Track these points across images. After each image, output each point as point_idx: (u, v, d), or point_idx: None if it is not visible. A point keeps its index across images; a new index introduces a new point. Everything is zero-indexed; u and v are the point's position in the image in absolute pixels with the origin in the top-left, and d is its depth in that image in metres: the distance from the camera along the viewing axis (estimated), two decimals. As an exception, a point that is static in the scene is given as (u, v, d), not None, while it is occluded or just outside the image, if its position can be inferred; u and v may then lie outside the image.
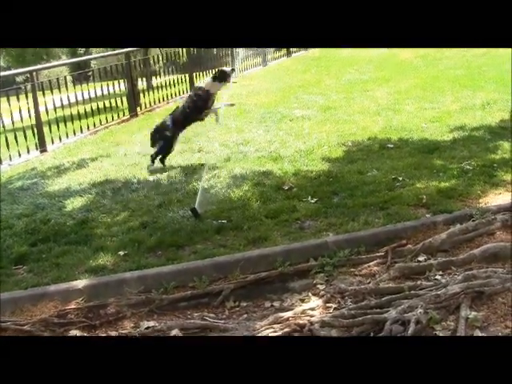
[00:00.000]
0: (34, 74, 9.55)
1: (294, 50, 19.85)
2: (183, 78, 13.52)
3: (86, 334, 3.77)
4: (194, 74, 13.77)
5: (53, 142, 9.43)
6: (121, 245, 4.98)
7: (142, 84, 14.03)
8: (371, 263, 4.32)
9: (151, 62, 13.75)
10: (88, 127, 10.32)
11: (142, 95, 12.73)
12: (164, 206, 5.78)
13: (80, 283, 4.28)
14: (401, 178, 5.94)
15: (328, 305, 3.84)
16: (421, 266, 4.15)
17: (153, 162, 7.26)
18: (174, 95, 12.88)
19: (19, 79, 20.07)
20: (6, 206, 6.24)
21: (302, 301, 3.99)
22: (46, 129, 9.34)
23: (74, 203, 6.16)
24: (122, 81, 11.90)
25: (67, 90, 9.99)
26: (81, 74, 14.21)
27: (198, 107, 7.29)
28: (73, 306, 4.04)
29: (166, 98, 12.58)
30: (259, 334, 3.53)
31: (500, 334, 3.26)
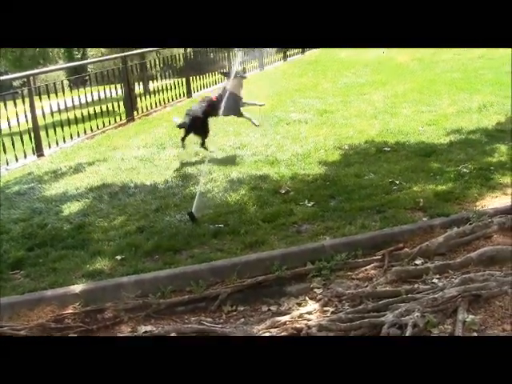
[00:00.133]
0: (31, 78, 9.53)
1: (291, 53, 19.86)
2: (180, 82, 13.52)
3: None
4: (191, 78, 13.75)
5: (50, 147, 9.42)
6: (118, 249, 4.97)
7: (138, 88, 14.03)
8: (368, 267, 4.32)
9: (148, 66, 13.76)
10: (85, 131, 10.32)
11: (138, 99, 12.73)
12: (161, 211, 5.78)
13: (77, 288, 4.27)
14: (398, 182, 5.95)
15: (325, 309, 3.84)
16: (418, 270, 4.16)
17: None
18: (171, 99, 12.87)
19: (16, 83, 20.12)
20: (2, 211, 6.23)
21: (299, 305, 3.98)
22: (42, 133, 9.32)
23: (70, 208, 6.15)
24: (118, 85, 11.90)
25: (64, 94, 10.01)
26: (78, 78, 14.19)
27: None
28: (70, 311, 4.03)
29: (163, 103, 12.57)
30: (256, 338, 3.53)
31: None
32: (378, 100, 10.69)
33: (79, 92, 10.72)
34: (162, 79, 13.54)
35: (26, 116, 9.08)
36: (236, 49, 15.55)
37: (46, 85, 10.03)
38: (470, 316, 3.43)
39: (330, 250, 4.49)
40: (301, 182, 6.26)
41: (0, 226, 5.78)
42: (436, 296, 3.62)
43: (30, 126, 9.14)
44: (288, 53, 19.61)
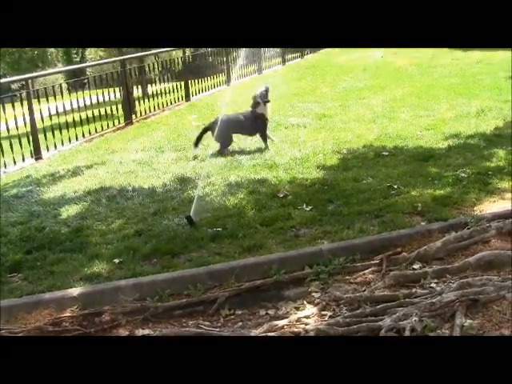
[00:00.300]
0: (30, 81, 9.55)
1: (289, 57, 19.86)
2: (178, 85, 13.53)
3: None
4: (190, 81, 13.75)
5: (48, 150, 9.41)
6: (116, 252, 4.96)
7: (137, 92, 14.03)
8: (366, 271, 4.32)
9: (147, 69, 13.76)
10: (83, 135, 10.31)
11: (137, 103, 12.73)
12: (159, 214, 5.77)
13: (75, 291, 4.27)
14: (396, 186, 5.95)
15: (323, 313, 3.84)
16: (416, 274, 4.16)
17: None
18: (169, 103, 12.87)
19: (14, 86, 20.10)
20: (1, 214, 6.22)
21: (297, 309, 3.98)
22: (41, 136, 9.32)
23: (68, 211, 6.14)
24: (117, 88, 11.89)
25: (62, 97, 9.99)
26: (76, 81, 14.23)
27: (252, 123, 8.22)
28: (68, 314, 4.02)
29: (161, 106, 12.57)
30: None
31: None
32: (376, 104, 10.70)
33: (78, 95, 10.72)
34: (160, 83, 13.54)
35: (24, 119, 9.07)
36: (235, 53, 15.60)
37: (45, 88, 10.05)
38: (468, 321, 3.43)
39: (328, 254, 4.49)
40: (299, 186, 6.27)
41: (-2, 228, 5.77)
42: (434, 300, 3.62)
43: (29, 128, 9.13)
44: (287, 57, 19.62)
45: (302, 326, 3.64)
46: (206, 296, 4.16)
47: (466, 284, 3.79)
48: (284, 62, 19.41)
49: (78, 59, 32.51)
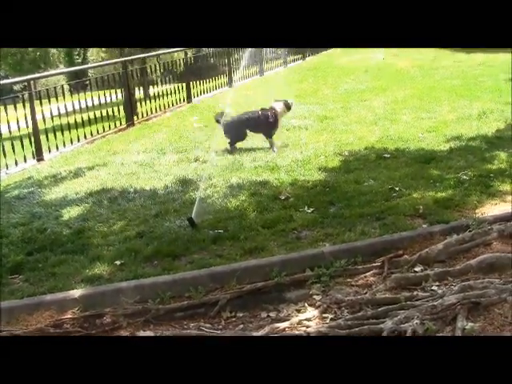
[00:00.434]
0: (32, 82, 9.55)
1: (291, 59, 19.86)
2: (180, 87, 13.52)
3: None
4: (191, 83, 13.75)
5: (50, 151, 9.41)
6: (117, 254, 4.97)
7: (139, 93, 14.03)
8: (368, 273, 4.32)
9: (148, 71, 13.76)
10: (85, 136, 10.31)
11: (139, 104, 12.72)
12: (161, 216, 5.77)
13: (76, 293, 4.27)
14: (397, 188, 5.95)
15: (324, 315, 3.84)
16: (417, 277, 4.16)
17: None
18: (171, 104, 12.87)
19: (16, 88, 20.15)
20: (2, 215, 6.22)
21: (299, 311, 3.98)
22: (43, 137, 9.31)
23: (70, 212, 6.14)
24: (119, 90, 11.90)
25: (64, 98, 10.02)
26: (78, 82, 14.23)
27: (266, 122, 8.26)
28: (69, 316, 4.03)
29: (163, 108, 12.57)
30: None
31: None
32: (378, 106, 10.71)
33: (79, 96, 10.72)
34: (162, 84, 13.52)
35: (26, 120, 9.06)
36: (236, 55, 15.60)
37: (47, 89, 10.03)
38: (470, 323, 3.43)
39: (330, 256, 4.49)
40: (301, 188, 6.26)
41: (-1, 230, 5.78)
42: (435, 303, 3.62)
43: (30, 130, 9.13)
44: (288, 59, 19.62)
45: (304, 328, 3.64)
46: (207, 298, 4.16)
47: (467, 287, 3.79)
48: (285, 63, 19.40)
49: (79, 60, 32.55)
